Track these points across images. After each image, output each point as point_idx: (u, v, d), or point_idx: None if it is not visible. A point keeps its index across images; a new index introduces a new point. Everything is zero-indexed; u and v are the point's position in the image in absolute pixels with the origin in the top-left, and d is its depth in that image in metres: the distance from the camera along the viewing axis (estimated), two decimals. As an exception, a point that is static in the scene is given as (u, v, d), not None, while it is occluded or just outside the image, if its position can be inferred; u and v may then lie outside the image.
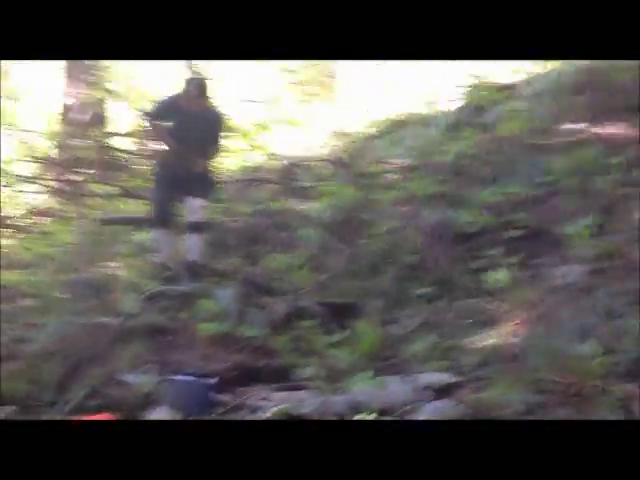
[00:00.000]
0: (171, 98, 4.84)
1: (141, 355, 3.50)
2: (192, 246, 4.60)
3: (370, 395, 2.74)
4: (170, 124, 4.81)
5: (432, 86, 9.18)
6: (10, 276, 5.70)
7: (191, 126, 4.61)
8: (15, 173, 8.38)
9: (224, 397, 3.07)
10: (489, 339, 3.27)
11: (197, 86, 4.68)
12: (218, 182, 5.25)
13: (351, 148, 7.59)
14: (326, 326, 3.64)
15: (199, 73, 7.50)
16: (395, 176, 6.12)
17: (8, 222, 8.02)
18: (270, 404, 2.93)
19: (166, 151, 4.60)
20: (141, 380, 3.25)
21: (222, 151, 5.38)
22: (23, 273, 5.92)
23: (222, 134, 5.03)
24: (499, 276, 3.74)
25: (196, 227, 4.61)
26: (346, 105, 9.70)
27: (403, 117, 8.55)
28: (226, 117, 5.18)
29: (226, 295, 3.88)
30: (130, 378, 3.30)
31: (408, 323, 3.59)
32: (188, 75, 5.04)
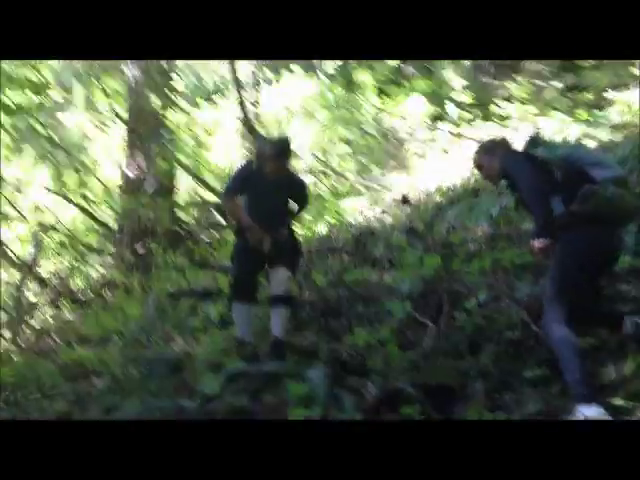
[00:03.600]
0: (245, 167, 4.65)
1: (224, 443, 3.19)
2: (277, 321, 4.30)
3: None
4: (246, 196, 4.63)
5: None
6: (79, 353, 5.55)
7: (271, 193, 4.40)
8: (82, 244, 8.38)
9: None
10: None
11: (279, 148, 4.43)
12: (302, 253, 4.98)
13: (423, 216, 7.36)
14: (425, 411, 3.27)
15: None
16: (477, 245, 5.83)
17: (75, 295, 7.97)
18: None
19: (246, 224, 4.39)
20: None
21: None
22: (92, 349, 5.76)
23: (307, 198, 4.80)
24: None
25: (281, 300, 4.34)
26: (415, 174, 9.54)
27: (475, 185, 8.35)
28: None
29: (316, 376, 3.56)
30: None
31: (520, 411, 3.19)
32: (265, 138, 4.78)
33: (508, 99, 11.25)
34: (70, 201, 9.56)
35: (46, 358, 5.87)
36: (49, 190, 10.44)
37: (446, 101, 11.41)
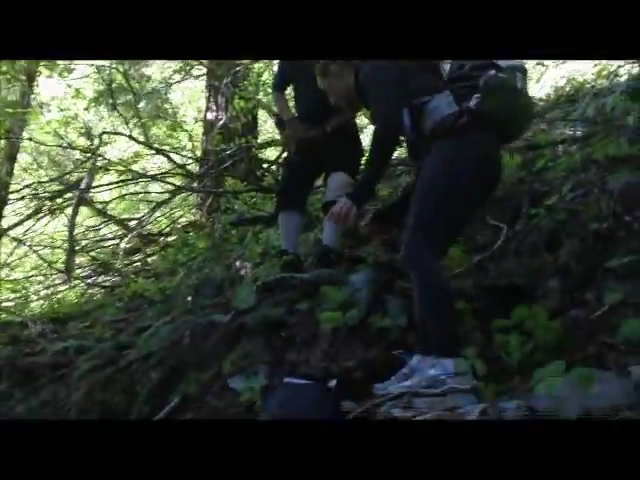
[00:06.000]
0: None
1: (251, 355, 2.82)
2: (327, 229, 3.77)
3: (565, 398, 1.84)
4: (295, 88, 4.14)
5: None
6: (141, 285, 5.41)
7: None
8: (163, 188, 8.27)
9: (347, 404, 2.28)
10: None
11: None
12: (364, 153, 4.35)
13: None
14: (485, 312, 2.74)
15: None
16: (568, 147, 5.11)
17: (152, 236, 7.90)
18: (410, 413, 2.12)
19: (286, 119, 3.91)
20: (247, 385, 2.56)
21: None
22: (155, 282, 5.61)
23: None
24: None
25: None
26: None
27: (572, 91, 7.55)
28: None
29: (357, 280, 3.10)
30: (235, 383, 2.63)
31: (601, 304, 2.60)
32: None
33: None
34: (154, 149, 9.45)
35: (112, 295, 5.78)
36: (133, 139, 10.42)
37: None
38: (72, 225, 6.59)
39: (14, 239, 7.38)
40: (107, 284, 6.49)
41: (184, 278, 5.09)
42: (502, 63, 2.59)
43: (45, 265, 7.12)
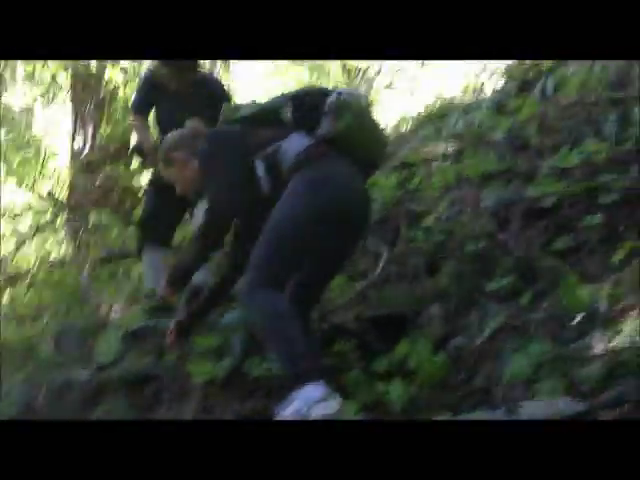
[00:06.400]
0: (148, 77, 3.84)
1: (113, 417, 2.50)
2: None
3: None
4: (158, 111, 3.85)
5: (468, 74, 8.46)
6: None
7: (183, 105, 3.58)
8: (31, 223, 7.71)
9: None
10: (610, 342, 2.17)
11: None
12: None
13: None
14: (367, 349, 2.59)
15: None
16: (440, 163, 5.13)
17: (17, 274, 7.31)
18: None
19: (147, 147, 3.63)
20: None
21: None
22: (18, 327, 5.12)
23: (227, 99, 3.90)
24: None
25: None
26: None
27: (439, 109, 7.72)
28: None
29: (231, 320, 2.85)
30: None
31: (483, 331, 2.50)
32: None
33: None
34: (16, 183, 8.83)
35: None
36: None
37: None
38: None
39: None
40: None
41: (48, 324, 4.65)
42: (340, 88, 2.62)
43: None
